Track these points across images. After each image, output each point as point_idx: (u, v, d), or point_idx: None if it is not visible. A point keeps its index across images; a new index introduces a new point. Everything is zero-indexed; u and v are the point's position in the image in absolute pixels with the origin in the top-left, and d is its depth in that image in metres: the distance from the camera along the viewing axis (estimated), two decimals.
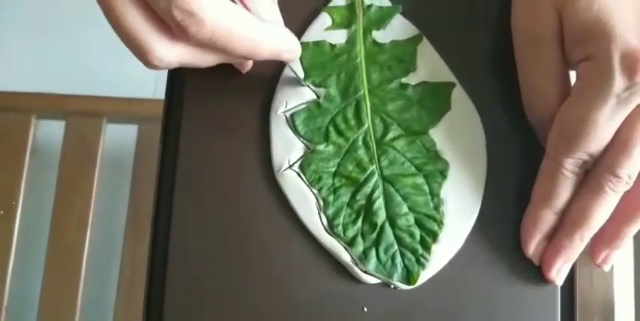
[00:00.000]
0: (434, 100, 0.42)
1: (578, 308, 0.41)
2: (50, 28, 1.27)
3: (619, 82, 0.35)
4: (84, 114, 1.02)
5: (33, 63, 1.24)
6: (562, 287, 0.41)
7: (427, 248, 0.40)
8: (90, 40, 1.20)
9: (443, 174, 0.41)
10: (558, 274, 0.39)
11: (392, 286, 0.40)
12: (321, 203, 0.41)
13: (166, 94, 0.44)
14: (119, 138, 1.04)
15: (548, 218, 0.39)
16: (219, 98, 0.43)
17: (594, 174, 0.38)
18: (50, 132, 1.09)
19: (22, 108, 1.03)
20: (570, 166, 0.38)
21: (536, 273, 0.40)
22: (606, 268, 0.41)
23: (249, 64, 0.42)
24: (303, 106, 0.43)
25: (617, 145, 0.37)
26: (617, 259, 0.44)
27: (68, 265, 0.93)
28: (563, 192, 0.38)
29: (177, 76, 0.44)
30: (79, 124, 1.02)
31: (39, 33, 1.26)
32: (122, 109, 1.02)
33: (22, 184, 1.00)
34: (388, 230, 0.40)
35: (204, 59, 0.37)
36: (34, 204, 1.01)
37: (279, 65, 0.43)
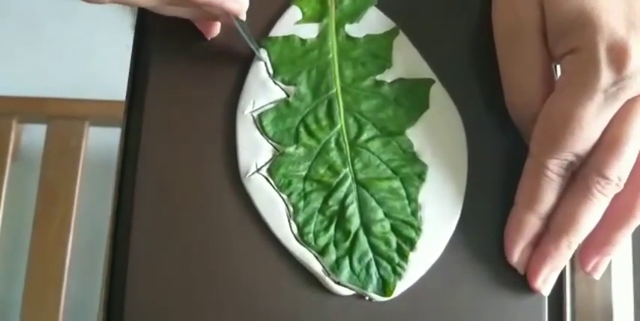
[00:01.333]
0: (411, 98, 0.40)
1: (578, 316, 0.39)
2: (30, 30, 1.25)
3: (606, 76, 0.33)
4: (66, 117, 1.00)
5: (13, 66, 1.22)
6: (549, 297, 0.38)
7: (404, 257, 0.37)
8: (71, 42, 1.18)
9: (421, 177, 0.39)
10: (545, 283, 0.37)
11: (367, 298, 0.37)
12: (291, 209, 0.38)
13: (127, 95, 0.41)
14: (102, 141, 1.01)
15: (532, 223, 0.36)
16: (182, 97, 0.40)
17: (581, 176, 0.35)
18: (33, 137, 1.07)
19: (3, 112, 1.00)
20: (555, 168, 0.35)
21: (522, 282, 0.38)
22: (597, 276, 0.38)
23: (216, 28, 0.40)
24: (272, 105, 0.40)
25: (606, 145, 0.34)
26: (616, 265, 0.41)
27: (50, 271, 0.91)
28: (548, 195, 0.36)
29: (139, 76, 0.41)
30: (61, 127, 1.00)
31: (18, 35, 1.24)
32: (105, 112, 0.99)
33: (4, 189, 0.98)
34: (362, 238, 0.38)
35: None
36: (15, 209, 0.98)
37: (247, 61, 0.40)
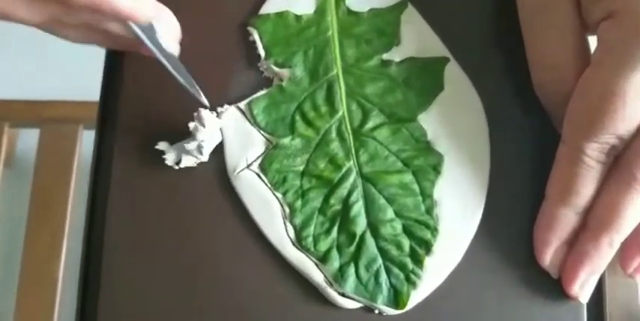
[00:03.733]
0: (423, 80, 0.35)
1: None
2: (21, 32, 1.21)
3: None
4: (59, 120, 0.96)
5: (4, 69, 1.18)
6: (588, 304, 0.33)
7: (419, 262, 0.33)
8: (64, 44, 1.14)
9: (436, 169, 0.34)
10: (583, 288, 0.33)
11: (376, 311, 0.33)
12: (287, 210, 0.33)
13: (102, 87, 0.36)
14: None
15: (567, 219, 0.32)
16: (160, 86, 0.35)
17: (625, 162, 0.31)
18: (28, 143, 1.04)
19: None
20: (594, 153, 0.30)
21: (556, 288, 0.33)
22: (639, 278, 0.33)
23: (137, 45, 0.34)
24: (263, 91, 0.35)
25: None
26: None
27: (44, 278, 0.89)
28: (586, 186, 0.31)
29: (115, 64, 0.37)
30: (55, 131, 0.96)
31: (9, 38, 1.20)
32: None
33: None
34: (370, 241, 0.33)
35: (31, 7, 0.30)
36: (9, 217, 0.95)
37: (235, 44, 0.36)
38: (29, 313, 0.89)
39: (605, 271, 0.33)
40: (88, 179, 0.36)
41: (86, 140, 0.96)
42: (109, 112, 0.36)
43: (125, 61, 0.36)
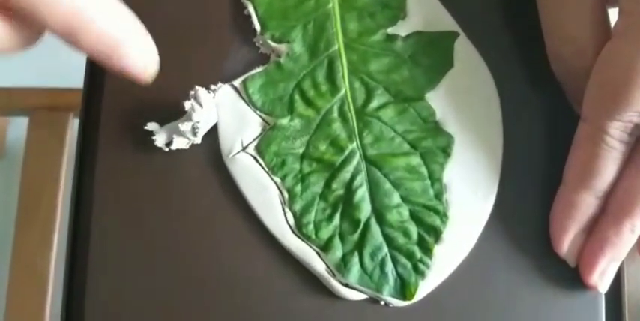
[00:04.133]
0: (431, 56, 0.33)
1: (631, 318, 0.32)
2: None
3: None
4: (48, 108, 0.94)
5: None
6: (606, 295, 0.31)
7: (428, 250, 0.30)
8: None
9: (445, 151, 0.32)
10: (602, 277, 0.31)
11: (382, 303, 0.30)
12: (286, 196, 0.31)
13: (86, 70, 0.34)
14: None
15: (586, 204, 0.30)
16: None
17: None
18: (18, 132, 1.02)
19: None
20: (616, 133, 0.28)
21: (573, 277, 0.31)
22: None
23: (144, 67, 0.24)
24: (259, 68, 0.33)
25: None
26: None
27: (35, 269, 0.87)
28: (607, 168, 0.29)
29: None
30: (44, 119, 0.94)
31: None
32: None
33: None
34: (375, 228, 0.31)
35: None
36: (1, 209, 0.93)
37: (229, 17, 0.33)
38: (20, 303, 0.88)
39: (623, 260, 0.31)
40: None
41: (76, 128, 0.94)
42: (94, 95, 0.34)
43: None
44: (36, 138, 0.93)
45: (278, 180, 0.31)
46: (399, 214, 0.31)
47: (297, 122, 0.32)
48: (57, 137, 0.92)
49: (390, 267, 0.30)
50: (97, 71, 0.34)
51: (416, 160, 0.31)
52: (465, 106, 0.32)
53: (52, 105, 0.94)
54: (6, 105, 0.96)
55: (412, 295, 0.30)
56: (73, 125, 0.94)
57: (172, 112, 0.31)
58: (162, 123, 0.32)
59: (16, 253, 0.88)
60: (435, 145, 0.32)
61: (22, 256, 0.88)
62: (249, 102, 0.32)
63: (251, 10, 0.33)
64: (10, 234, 0.89)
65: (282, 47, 0.33)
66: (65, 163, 0.90)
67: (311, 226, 0.31)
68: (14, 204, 0.90)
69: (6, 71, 1.11)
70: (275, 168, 0.31)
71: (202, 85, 0.32)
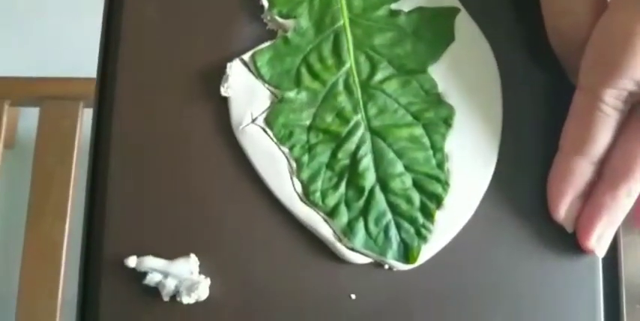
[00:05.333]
0: (433, 30, 0.34)
1: (625, 295, 0.33)
2: (20, 9, 1.20)
3: None
4: (59, 98, 0.95)
5: (3, 47, 1.16)
6: (604, 260, 0.32)
7: (429, 216, 0.31)
8: (62, 21, 1.12)
9: (447, 122, 0.33)
10: (599, 241, 0.31)
11: (386, 266, 0.32)
12: (294, 165, 0.32)
13: (99, 59, 0.35)
14: None
15: (582, 170, 0.31)
16: (160, 42, 0.34)
17: None
18: (29, 122, 1.03)
19: None
20: (611, 100, 0.29)
21: (571, 242, 0.32)
22: None
23: None
24: (267, 43, 0.34)
25: None
26: None
27: (47, 259, 0.87)
28: (603, 134, 0.30)
29: (111, 39, 0.35)
30: (55, 109, 0.95)
31: (7, 15, 1.19)
32: None
33: None
34: (379, 195, 0.32)
35: None
36: (11, 200, 0.94)
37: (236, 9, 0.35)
38: (32, 294, 0.88)
39: (620, 227, 0.32)
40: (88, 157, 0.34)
41: (87, 118, 0.95)
42: (107, 84, 0.35)
43: (124, 25, 0.35)
44: (47, 127, 0.94)
45: (286, 150, 0.33)
46: (402, 182, 0.32)
47: (304, 95, 0.33)
48: (67, 126, 0.93)
49: (393, 232, 0.31)
50: (112, 51, 0.35)
51: (418, 131, 0.33)
52: (466, 78, 0.33)
53: (62, 94, 0.95)
54: (18, 95, 0.97)
55: (415, 259, 0.31)
56: (83, 114, 0.94)
57: (185, 88, 0.33)
58: (174, 106, 0.33)
59: (27, 243, 0.89)
60: (436, 116, 0.33)
61: (34, 246, 0.89)
62: (258, 75, 0.33)
63: None
64: (21, 223, 0.89)
65: (289, 23, 0.34)
66: (76, 151, 0.91)
67: (318, 194, 0.32)
68: (26, 193, 0.91)
69: (16, 61, 1.12)
70: (283, 139, 0.33)
71: (212, 61, 0.33)
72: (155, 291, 0.31)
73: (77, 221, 0.88)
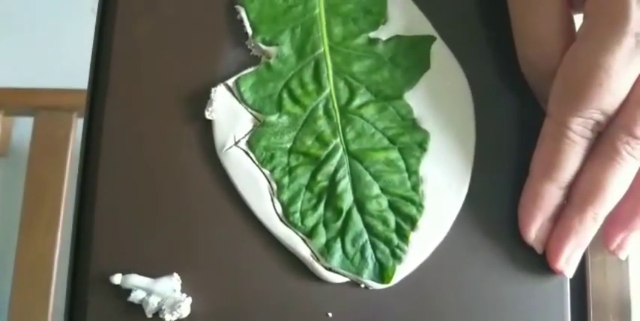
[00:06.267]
0: (410, 58, 0.35)
1: (592, 305, 0.34)
2: (14, 20, 1.21)
3: (637, 16, 0.28)
4: (53, 109, 0.96)
5: None
6: (572, 280, 0.34)
7: (404, 237, 0.33)
8: (57, 32, 1.13)
9: (422, 146, 0.34)
10: (568, 262, 0.32)
11: (362, 286, 0.33)
12: (274, 187, 0.33)
13: (90, 70, 0.36)
14: None
15: (551, 195, 0.32)
16: (149, 64, 0.36)
17: (608, 136, 0.31)
18: (24, 132, 1.04)
19: None
20: (579, 128, 0.30)
21: (540, 264, 0.33)
22: (622, 255, 0.34)
23: None
24: (251, 69, 0.35)
25: (636, 100, 0.29)
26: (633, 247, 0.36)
27: (39, 267, 0.88)
28: (570, 161, 0.31)
29: (103, 50, 0.37)
30: (49, 119, 0.96)
31: (2, 25, 1.20)
32: None
33: None
34: (356, 217, 0.33)
35: None
36: (4, 208, 0.95)
37: (222, 22, 0.36)
38: (24, 303, 0.88)
39: (587, 249, 0.34)
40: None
41: (80, 128, 0.96)
42: (98, 96, 0.36)
43: (114, 47, 0.36)
44: (40, 137, 0.95)
45: (267, 172, 0.34)
46: (379, 203, 0.33)
47: (285, 119, 0.34)
48: (61, 136, 0.94)
49: (369, 252, 0.33)
50: (102, 71, 0.36)
51: (394, 155, 0.34)
52: (441, 104, 0.35)
53: (55, 105, 0.96)
54: (13, 105, 0.98)
55: (390, 279, 0.32)
56: (76, 125, 0.96)
57: (172, 110, 0.34)
58: (161, 128, 0.34)
59: (20, 251, 0.90)
60: (412, 140, 0.34)
61: (27, 253, 0.89)
62: (241, 100, 0.35)
63: (243, 15, 0.36)
64: (14, 232, 0.90)
65: (272, 49, 0.35)
66: (69, 161, 0.92)
67: (297, 215, 0.33)
68: (18, 202, 0.92)
69: (11, 72, 1.13)
70: (265, 161, 0.34)
71: (198, 85, 0.34)
72: (139, 308, 0.32)
73: (69, 230, 0.88)
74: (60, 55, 1.17)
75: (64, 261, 0.88)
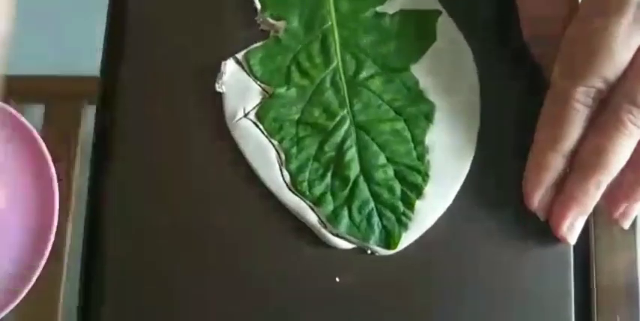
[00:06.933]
0: (416, 31, 0.36)
1: (596, 286, 0.35)
2: (25, 7, 1.22)
3: None
4: (63, 96, 0.97)
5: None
6: (575, 247, 0.34)
7: (410, 205, 0.33)
8: (67, 19, 1.14)
9: (427, 117, 0.35)
10: (571, 229, 0.33)
11: (368, 252, 0.34)
12: (283, 157, 0.34)
13: (102, 57, 0.37)
14: None
15: (555, 163, 0.32)
16: (161, 41, 0.37)
17: (611, 105, 0.31)
18: (33, 119, 1.04)
19: None
20: (582, 97, 0.31)
21: (544, 230, 0.34)
22: (626, 224, 0.34)
23: None
24: (260, 43, 0.36)
25: (639, 69, 0.30)
26: None
27: (48, 261, 0.88)
28: (574, 129, 0.32)
29: (116, 38, 0.38)
30: (59, 106, 0.96)
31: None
32: None
33: None
34: (363, 185, 0.34)
35: None
36: None
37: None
38: (32, 297, 0.88)
39: (590, 217, 0.34)
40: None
41: (90, 116, 0.97)
42: (110, 87, 0.37)
43: (127, 23, 0.37)
44: (51, 125, 0.96)
45: (276, 143, 0.35)
46: (385, 173, 0.34)
47: (293, 91, 0.35)
48: (72, 124, 0.95)
49: (376, 219, 0.33)
50: (113, 58, 0.37)
51: (400, 125, 0.35)
52: (446, 76, 0.35)
53: (67, 93, 0.97)
54: (21, 93, 0.99)
55: (396, 245, 0.33)
56: (87, 112, 0.96)
57: (183, 84, 0.35)
58: (174, 102, 0.35)
59: None
60: (418, 111, 0.35)
61: None
62: (251, 73, 0.35)
63: None
64: None
65: (281, 24, 0.36)
66: (80, 150, 0.92)
67: (305, 184, 0.34)
68: None
69: (20, 59, 1.14)
70: (273, 132, 0.35)
71: (209, 59, 0.35)
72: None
73: (80, 217, 0.89)
74: (69, 42, 1.17)
75: (73, 251, 0.88)
